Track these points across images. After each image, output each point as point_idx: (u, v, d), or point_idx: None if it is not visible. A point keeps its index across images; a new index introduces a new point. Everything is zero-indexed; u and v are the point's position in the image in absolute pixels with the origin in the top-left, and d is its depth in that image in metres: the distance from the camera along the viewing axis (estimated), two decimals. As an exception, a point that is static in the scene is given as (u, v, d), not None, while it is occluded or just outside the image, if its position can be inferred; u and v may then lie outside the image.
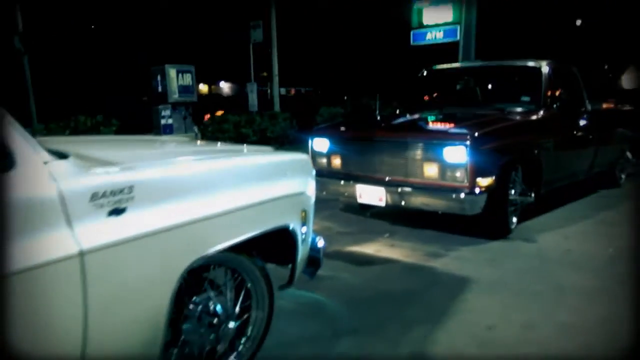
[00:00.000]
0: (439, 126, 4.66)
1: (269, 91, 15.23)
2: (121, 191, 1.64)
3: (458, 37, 11.76)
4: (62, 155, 1.57)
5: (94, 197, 1.56)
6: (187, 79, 7.75)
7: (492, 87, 6.00)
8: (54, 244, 1.44)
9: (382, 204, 4.48)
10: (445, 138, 4.14)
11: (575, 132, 5.50)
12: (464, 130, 4.13)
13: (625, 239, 4.38)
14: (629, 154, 7.23)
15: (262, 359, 2.38)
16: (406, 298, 3.21)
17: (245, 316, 2.30)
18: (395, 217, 5.04)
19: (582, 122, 5.59)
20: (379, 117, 5.89)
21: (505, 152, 4.35)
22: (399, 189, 4.35)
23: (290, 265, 2.52)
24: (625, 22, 20.30)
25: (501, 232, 4.47)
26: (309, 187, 2.60)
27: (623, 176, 6.97)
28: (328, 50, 18.61)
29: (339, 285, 3.39)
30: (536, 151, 4.73)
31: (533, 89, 5.33)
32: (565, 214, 5.30)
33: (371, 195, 4.57)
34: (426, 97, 6.56)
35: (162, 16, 14.82)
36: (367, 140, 4.64)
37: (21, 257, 1.36)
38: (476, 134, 4.04)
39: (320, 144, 4.99)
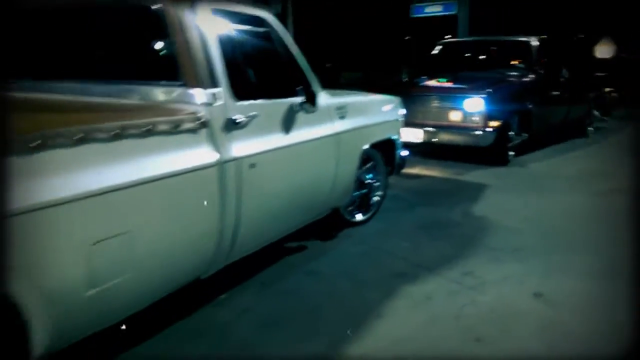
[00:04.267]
0: (461, 84, 6.47)
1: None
2: (343, 107, 3.44)
3: (456, 11, 13.52)
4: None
5: (338, 108, 3.36)
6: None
7: (493, 55, 7.78)
8: (328, 129, 3.24)
9: (420, 140, 6.32)
10: (469, 92, 5.99)
11: (554, 92, 7.36)
12: (482, 87, 5.98)
13: (586, 165, 6.36)
14: (595, 112, 9.20)
15: (381, 212, 4.23)
16: (447, 192, 5.12)
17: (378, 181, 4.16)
18: (424, 154, 6.85)
19: (559, 85, 7.46)
20: (406, 79, 7.69)
21: (508, 103, 6.21)
22: (432, 129, 6.19)
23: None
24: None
25: (502, 161, 6.36)
26: (401, 116, 4.42)
27: (591, 129, 8.93)
28: (327, 20, 20.05)
29: (404, 187, 5.24)
30: (528, 104, 6.61)
31: (525, 57, 7.19)
32: (548, 152, 7.22)
33: (411, 135, 6.39)
34: (441, 64, 8.31)
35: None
36: (409, 96, 6.42)
37: (318, 133, 3.15)
38: (490, 89, 5.90)
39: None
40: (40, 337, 1.62)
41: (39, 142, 1.57)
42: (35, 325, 1.59)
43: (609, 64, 17.28)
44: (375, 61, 15.96)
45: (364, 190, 4.00)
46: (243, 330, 2.49)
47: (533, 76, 6.93)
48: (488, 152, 6.25)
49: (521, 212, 4.45)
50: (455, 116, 6.12)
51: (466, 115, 6.02)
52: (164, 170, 2.03)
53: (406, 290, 2.92)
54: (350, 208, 3.92)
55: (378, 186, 4.15)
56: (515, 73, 6.99)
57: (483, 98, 5.86)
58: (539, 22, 21.37)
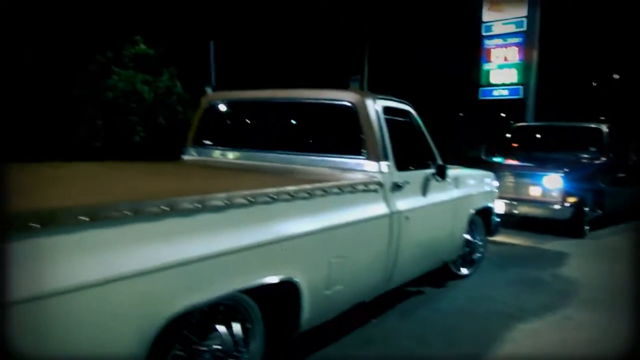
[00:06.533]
0: (540, 163, 7.27)
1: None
2: (457, 179, 4.35)
3: (521, 95, 14.46)
4: (442, 164, 4.28)
5: (454, 179, 4.27)
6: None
7: (566, 139, 8.57)
8: (449, 195, 4.14)
9: (501, 212, 7.08)
10: (548, 170, 6.78)
11: (625, 174, 8.00)
12: (559, 166, 6.78)
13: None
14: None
15: (479, 269, 5.00)
16: (533, 257, 5.82)
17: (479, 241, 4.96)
18: (504, 225, 7.55)
19: (629, 167, 8.11)
20: (484, 156, 8.57)
21: (583, 182, 6.93)
22: (513, 202, 6.96)
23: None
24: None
25: (579, 234, 6.99)
26: (495, 188, 5.27)
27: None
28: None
29: (494, 251, 5.97)
30: (601, 184, 7.30)
31: (596, 142, 7.93)
32: (620, 228, 7.76)
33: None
34: (513, 144, 9.17)
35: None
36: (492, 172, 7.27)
37: (444, 197, 4.05)
38: (567, 169, 6.69)
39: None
40: (305, 315, 2.53)
41: (313, 193, 2.56)
42: (304, 306, 2.50)
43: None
44: (446, 139, 16.99)
45: (468, 249, 4.81)
46: (401, 341, 3.31)
47: (604, 159, 7.65)
48: (564, 225, 6.92)
49: (603, 274, 5.10)
50: (535, 191, 6.88)
51: (545, 191, 6.78)
52: (363, 216, 2.99)
53: (516, 326, 3.65)
54: (457, 263, 4.73)
55: (479, 246, 4.95)
56: (588, 155, 7.74)
57: (562, 176, 6.63)
58: (599, 105, 21.99)
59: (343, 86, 3.62)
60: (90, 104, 6.25)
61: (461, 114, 27.24)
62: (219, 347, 2.16)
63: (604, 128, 8.00)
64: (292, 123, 3.88)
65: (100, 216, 1.64)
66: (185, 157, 4.13)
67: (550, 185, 6.73)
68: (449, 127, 18.60)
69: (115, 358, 1.71)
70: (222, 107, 4.05)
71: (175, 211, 1.86)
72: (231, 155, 3.89)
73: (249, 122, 4.04)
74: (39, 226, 1.49)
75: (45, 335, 1.52)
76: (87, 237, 1.62)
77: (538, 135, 9.07)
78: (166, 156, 5.10)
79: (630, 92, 24.10)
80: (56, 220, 1.54)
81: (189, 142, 4.14)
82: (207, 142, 4.07)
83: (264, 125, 4.00)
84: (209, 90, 4.18)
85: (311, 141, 3.69)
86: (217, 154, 3.98)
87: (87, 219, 1.60)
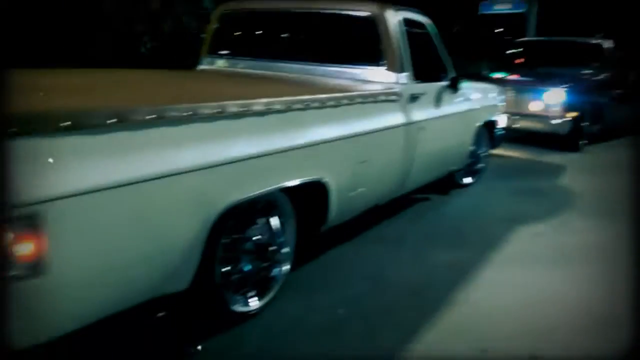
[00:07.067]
0: (542, 78, 7.34)
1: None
2: (467, 92, 4.45)
3: (525, 9, 14.13)
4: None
5: (464, 93, 4.37)
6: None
7: (568, 55, 8.56)
8: (459, 107, 4.27)
9: (503, 126, 7.25)
10: (549, 85, 6.88)
11: (624, 91, 8.11)
12: (561, 81, 6.86)
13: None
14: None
15: (481, 180, 5.25)
16: (531, 169, 6.09)
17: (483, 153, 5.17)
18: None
19: (629, 84, 8.20)
20: (487, 72, 8.60)
21: (583, 98, 7.06)
22: (515, 117, 7.10)
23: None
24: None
25: (575, 148, 7.21)
26: (501, 102, 5.39)
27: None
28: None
29: (494, 163, 6.19)
30: (600, 99, 7.43)
31: (596, 58, 7.96)
32: (616, 144, 7.98)
33: (493, 121, 7.33)
34: (515, 60, 9.15)
35: None
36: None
37: (454, 109, 4.18)
38: (569, 84, 6.79)
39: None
40: (331, 212, 2.76)
41: (340, 102, 2.70)
42: (331, 204, 2.72)
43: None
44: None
45: (472, 160, 5.02)
46: (411, 239, 3.60)
47: (605, 75, 7.73)
48: (562, 139, 7.13)
49: (596, 186, 5.40)
50: (536, 106, 7.01)
51: (546, 105, 6.91)
52: (383, 125, 3.15)
53: (518, 229, 3.94)
54: (460, 172, 4.95)
55: (482, 157, 5.16)
56: (589, 71, 7.79)
57: (563, 91, 6.74)
58: (602, 22, 21.52)
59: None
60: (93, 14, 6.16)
61: (456, 29, 26.54)
62: (258, 237, 2.41)
63: (606, 44, 8.00)
64: (310, 34, 3.90)
65: (165, 116, 1.78)
66: (201, 67, 4.18)
67: (551, 100, 6.86)
68: (448, 42, 18.27)
69: (187, 238, 1.94)
70: (238, 17, 4.05)
71: (225, 114, 2.00)
72: (248, 65, 3.94)
73: (265, 32, 4.06)
74: (118, 122, 1.64)
75: (128, 218, 1.72)
76: (155, 134, 1.78)
77: (540, 51, 9.03)
78: (176, 66, 5.07)
79: (633, 9, 23.50)
80: (131, 119, 1.69)
81: (204, 52, 4.17)
82: (223, 52, 4.10)
83: (281, 36, 4.03)
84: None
85: (330, 52, 3.74)
86: (233, 64, 4.03)
87: (155, 118, 1.75)
